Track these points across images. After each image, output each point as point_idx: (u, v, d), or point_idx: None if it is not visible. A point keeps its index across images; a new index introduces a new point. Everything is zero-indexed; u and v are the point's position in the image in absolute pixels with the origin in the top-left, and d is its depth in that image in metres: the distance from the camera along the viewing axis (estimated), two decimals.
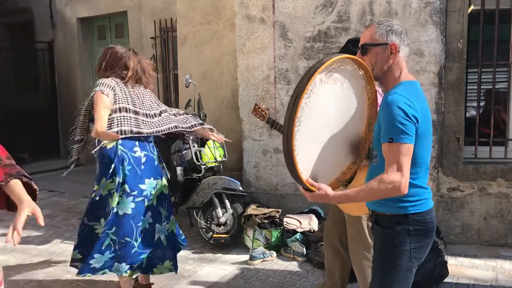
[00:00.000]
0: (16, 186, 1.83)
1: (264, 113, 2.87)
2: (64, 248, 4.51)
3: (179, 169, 4.60)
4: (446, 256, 3.66)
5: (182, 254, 4.32)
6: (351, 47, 2.76)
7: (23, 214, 1.76)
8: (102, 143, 3.24)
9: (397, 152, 1.92)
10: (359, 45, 2.14)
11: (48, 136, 9.50)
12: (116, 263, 3.22)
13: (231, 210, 4.46)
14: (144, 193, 3.24)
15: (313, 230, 4.38)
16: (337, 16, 4.62)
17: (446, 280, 3.62)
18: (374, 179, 1.95)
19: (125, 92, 3.28)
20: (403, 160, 1.91)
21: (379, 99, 2.21)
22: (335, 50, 4.67)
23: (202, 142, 4.72)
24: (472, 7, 4.42)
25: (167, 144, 4.67)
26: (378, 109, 2.16)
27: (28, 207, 1.79)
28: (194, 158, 4.52)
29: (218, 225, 4.46)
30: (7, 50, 9.74)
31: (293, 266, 4.08)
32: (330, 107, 2.06)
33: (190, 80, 4.81)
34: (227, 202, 4.46)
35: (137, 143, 3.26)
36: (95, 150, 3.29)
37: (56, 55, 9.51)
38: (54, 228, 5.21)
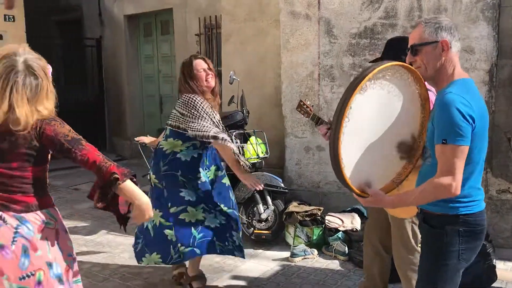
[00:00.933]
0: (130, 185, 1.97)
1: (309, 110, 2.86)
2: (111, 239, 4.64)
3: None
4: (494, 260, 3.55)
5: None
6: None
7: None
8: None
9: (451, 154, 1.87)
10: (409, 47, 2.09)
11: (95, 130, 9.79)
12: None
13: (273, 207, 4.47)
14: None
15: (356, 229, 4.33)
16: (384, 12, 4.54)
17: (494, 284, 3.51)
18: (427, 182, 1.92)
19: None
20: (456, 162, 1.86)
21: (431, 98, 2.16)
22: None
23: (245, 138, 4.75)
24: None
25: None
26: (431, 108, 2.12)
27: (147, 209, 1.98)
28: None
29: (260, 221, 4.47)
30: (58, 47, 10.08)
31: (334, 264, 4.05)
32: (376, 113, 2.03)
33: (234, 77, 4.83)
34: (268, 198, 4.46)
35: None
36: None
37: (103, 52, 9.76)
38: (100, 219, 5.37)
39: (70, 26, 10.57)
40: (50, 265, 1.99)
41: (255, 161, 4.70)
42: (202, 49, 7.85)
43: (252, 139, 4.71)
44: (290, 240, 4.40)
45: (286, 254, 4.22)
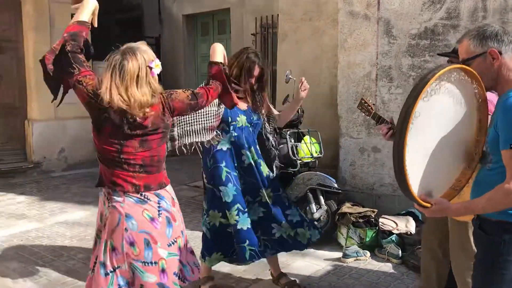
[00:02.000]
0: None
1: (370, 108, 2.85)
2: None
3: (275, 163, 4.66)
4: None
5: None
6: None
7: None
8: None
9: None
10: (460, 61, 2.05)
11: None
12: None
13: (325, 207, 4.46)
14: None
15: (410, 232, 4.26)
16: (445, 13, 4.43)
17: None
18: (494, 189, 1.85)
19: None
20: None
21: (490, 99, 2.11)
22: (442, 48, 4.49)
23: (299, 137, 4.77)
24: None
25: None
26: (489, 110, 2.07)
27: None
28: (290, 152, 4.58)
29: (312, 220, 4.48)
30: (118, 45, 10.45)
31: (387, 267, 4.00)
32: (439, 118, 2.00)
33: (290, 76, 4.84)
34: (321, 198, 4.46)
35: None
36: None
37: (162, 50, 10.05)
38: None
39: (131, 24, 10.95)
40: (182, 233, 2.34)
41: (309, 160, 4.71)
42: (258, 48, 7.94)
43: (307, 138, 4.73)
44: (342, 240, 4.38)
45: (338, 254, 4.21)
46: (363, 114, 2.95)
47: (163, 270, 2.19)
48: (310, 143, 4.72)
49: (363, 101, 2.90)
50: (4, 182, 6.94)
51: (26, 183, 6.95)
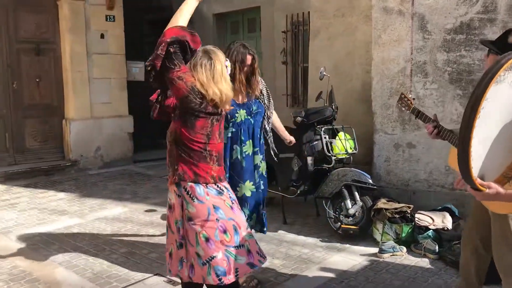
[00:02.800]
0: None
1: (410, 103, 2.87)
2: None
3: (309, 159, 4.71)
4: None
5: (310, 241, 4.48)
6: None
7: None
8: None
9: None
10: None
11: None
12: None
13: (361, 203, 4.48)
14: None
15: (447, 228, 4.24)
16: (482, 7, 4.39)
17: None
18: None
19: None
20: None
21: None
22: (479, 43, 4.45)
23: (333, 133, 4.80)
24: None
25: (299, 134, 4.83)
26: None
27: None
28: (325, 149, 4.62)
29: (347, 216, 4.51)
30: (150, 44, 10.62)
31: (424, 262, 4.00)
32: (503, 106, 2.00)
33: (324, 73, 4.89)
34: (356, 194, 4.49)
35: None
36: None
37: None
38: None
39: (162, 24, 11.09)
40: None
41: (343, 156, 4.74)
42: (289, 46, 7.99)
43: (341, 134, 4.76)
44: (378, 236, 4.39)
45: (373, 250, 4.23)
46: (403, 108, 2.98)
47: (248, 251, 2.43)
48: (345, 139, 4.75)
49: (403, 95, 2.93)
50: (45, 180, 7.18)
51: (65, 180, 7.17)
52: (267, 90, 3.77)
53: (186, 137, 2.37)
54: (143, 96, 9.28)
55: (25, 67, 7.47)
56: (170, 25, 2.44)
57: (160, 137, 9.88)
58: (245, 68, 3.53)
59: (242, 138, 3.50)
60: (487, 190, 1.96)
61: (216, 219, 2.33)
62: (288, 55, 8.05)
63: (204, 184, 2.36)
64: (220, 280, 2.32)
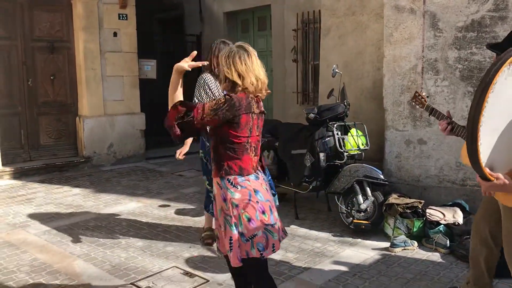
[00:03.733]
0: None
1: (423, 100, 2.95)
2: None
3: (322, 155, 4.78)
4: None
5: (323, 235, 4.56)
6: None
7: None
8: None
9: None
10: None
11: None
12: None
13: (372, 198, 4.55)
14: None
15: (458, 223, 4.30)
16: (493, 5, 4.44)
17: None
18: None
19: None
20: None
21: None
22: (489, 40, 4.50)
23: (345, 130, 4.87)
24: None
25: (311, 131, 4.90)
26: None
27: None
28: (337, 145, 4.69)
29: (359, 211, 4.58)
30: (161, 42, 10.74)
31: (435, 256, 4.07)
32: (509, 101, 2.05)
33: (337, 70, 4.96)
34: (368, 189, 4.55)
35: None
36: None
37: (203, 47, 10.26)
38: None
39: (172, 23, 11.22)
40: None
41: (355, 152, 4.81)
42: (299, 44, 8.05)
43: (353, 131, 4.83)
44: (389, 231, 4.46)
45: (385, 244, 4.30)
46: (417, 106, 3.05)
47: (278, 228, 2.65)
48: (357, 135, 4.82)
49: (416, 93, 3.01)
50: (59, 176, 7.31)
51: (79, 176, 7.29)
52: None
53: (233, 135, 2.54)
54: (154, 93, 9.43)
55: (40, 65, 7.60)
56: (170, 104, 2.58)
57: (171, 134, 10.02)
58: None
59: None
60: (495, 181, 2.03)
61: (256, 201, 2.55)
62: (299, 53, 8.12)
63: (246, 174, 2.59)
64: (261, 254, 2.56)
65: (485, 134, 1.96)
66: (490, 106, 1.93)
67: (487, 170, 2.03)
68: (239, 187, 2.56)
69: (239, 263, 2.57)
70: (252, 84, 2.54)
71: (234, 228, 2.55)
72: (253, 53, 2.62)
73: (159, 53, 10.00)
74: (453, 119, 2.86)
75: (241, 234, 2.54)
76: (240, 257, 2.58)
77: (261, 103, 2.67)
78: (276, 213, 2.67)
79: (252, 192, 2.56)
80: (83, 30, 7.68)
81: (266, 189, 2.65)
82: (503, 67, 1.91)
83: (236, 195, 2.55)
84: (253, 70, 2.55)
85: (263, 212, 2.57)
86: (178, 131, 2.48)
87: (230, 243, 2.56)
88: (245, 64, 2.55)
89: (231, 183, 2.56)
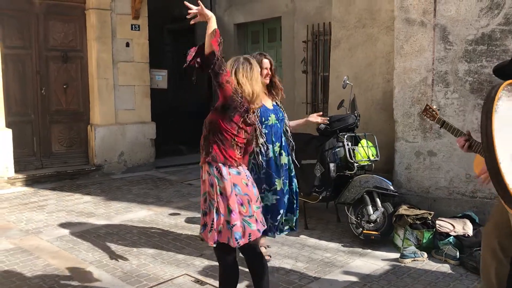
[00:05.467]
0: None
1: (434, 113, 2.99)
2: None
3: (332, 166, 4.81)
4: None
5: (332, 246, 4.58)
6: None
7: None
8: None
9: None
10: None
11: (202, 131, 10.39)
12: None
13: (382, 209, 4.57)
14: None
15: (468, 234, 4.31)
16: (503, 19, 4.49)
17: None
18: None
19: None
20: None
21: None
22: (500, 54, 4.54)
23: (356, 140, 4.90)
24: None
25: (321, 141, 4.94)
26: None
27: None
28: (347, 155, 4.72)
29: (368, 222, 4.59)
30: (171, 53, 10.87)
31: (445, 268, 4.08)
32: None
33: (347, 82, 5.01)
34: (378, 200, 4.57)
35: None
36: None
37: None
38: None
39: (184, 34, 11.33)
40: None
41: (366, 163, 4.84)
42: (309, 55, 8.13)
43: (363, 142, 4.86)
44: (399, 242, 4.48)
45: (394, 255, 4.31)
46: (428, 119, 3.09)
47: (256, 220, 2.99)
48: (367, 146, 4.85)
49: (427, 106, 3.06)
50: (70, 183, 7.39)
51: (90, 184, 7.37)
52: None
53: (223, 127, 2.90)
54: (165, 103, 9.49)
55: (53, 74, 7.72)
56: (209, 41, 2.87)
57: (181, 144, 10.11)
58: (264, 71, 3.92)
59: (273, 139, 3.90)
60: None
61: (236, 194, 2.90)
62: (308, 64, 8.19)
63: (228, 166, 2.92)
64: (237, 242, 2.88)
65: (505, 158, 1.99)
66: (498, 129, 1.97)
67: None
68: (224, 179, 2.88)
69: (213, 244, 2.90)
70: (248, 95, 2.89)
71: (215, 212, 2.87)
72: (256, 66, 2.98)
73: (170, 63, 10.11)
74: (472, 137, 2.88)
75: (227, 222, 2.88)
76: (216, 239, 2.88)
77: (254, 116, 3.04)
78: (254, 206, 2.98)
79: (232, 186, 2.90)
80: (96, 40, 7.80)
81: (246, 184, 2.97)
82: (500, 90, 1.96)
83: (221, 184, 2.89)
84: (251, 83, 2.89)
85: (242, 204, 2.92)
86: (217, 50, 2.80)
87: (212, 224, 2.87)
88: (245, 76, 2.92)
89: (219, 172, 2.89)
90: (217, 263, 4.11)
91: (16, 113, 7.41)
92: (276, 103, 4.04)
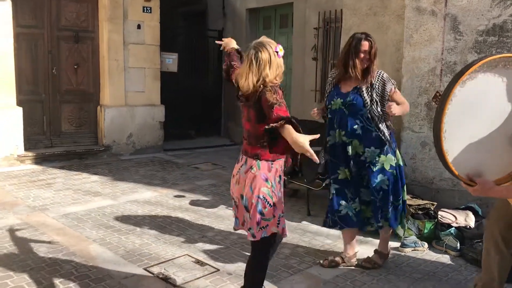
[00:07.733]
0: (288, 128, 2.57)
1: None
2: (229, 213, 5.05)
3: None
4: None
5: (334, 233, 4.59)
6: None
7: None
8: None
9: None
10: None
11: (213, 114, 10.45)
12: None
13: None
14: None
15: (469, 226, 4.31)
16: None
17: None
18: None
19: None
20: None
21: None
22: (511, 45, 4.49)
23: None
24: None
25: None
26: None
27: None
28: None
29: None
30: (183, 36, 10.86)
31: (445, 258, 4.08)
32: (490, 104, 2.11)
33: None
34: None
35: None
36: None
37: None
38: (219, 195, 5.86)
39: (195, 17, 11.32)
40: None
41: None
42: (320, 42, 8.08)
43: None
44: (400, 231, 4.47)
45: (395, 244, 4.31)
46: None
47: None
48: None
49: (437, 93, 3.06)
50: (79, 163, 7.48)
51: (98, 164, 7.45)
52: (382, 83, 3.74)
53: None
54: (175, 86, 9.51)
55: (64, 54, 7.77)
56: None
57: (190, 128, 10.15)
58: (361, 55, 3.59)
59: (335, 125, 3.69)
60: (477, 186, 2.10)
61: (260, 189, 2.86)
62: (319, 51, 8.14)
63: (245, 158, 2.93)
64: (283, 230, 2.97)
65: (455, 141, 2.04)
66: (453, 115, 1.99)
67: (468, 178, 2.11)
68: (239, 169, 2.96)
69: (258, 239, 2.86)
70: (254, 85, 2.80)
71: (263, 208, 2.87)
72: (253, 58, 2.78)
73: (181, 46, 10.11)
74: None
75: (260, 214, 2.86)
76: (264, 234, 2.86)
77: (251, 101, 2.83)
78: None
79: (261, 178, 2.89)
80: (108, 21, 7.82)
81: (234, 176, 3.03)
82: (468, 73, 1.98)
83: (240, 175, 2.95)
84: (247, 71, 2.81)
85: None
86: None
87: (258, 222, 2.84)
88: (247, 63, 2.84)
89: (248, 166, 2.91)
90: (218, 246, 4.20)
91: (27, 91, 7.48)
92: (360, 86, 3.60)
